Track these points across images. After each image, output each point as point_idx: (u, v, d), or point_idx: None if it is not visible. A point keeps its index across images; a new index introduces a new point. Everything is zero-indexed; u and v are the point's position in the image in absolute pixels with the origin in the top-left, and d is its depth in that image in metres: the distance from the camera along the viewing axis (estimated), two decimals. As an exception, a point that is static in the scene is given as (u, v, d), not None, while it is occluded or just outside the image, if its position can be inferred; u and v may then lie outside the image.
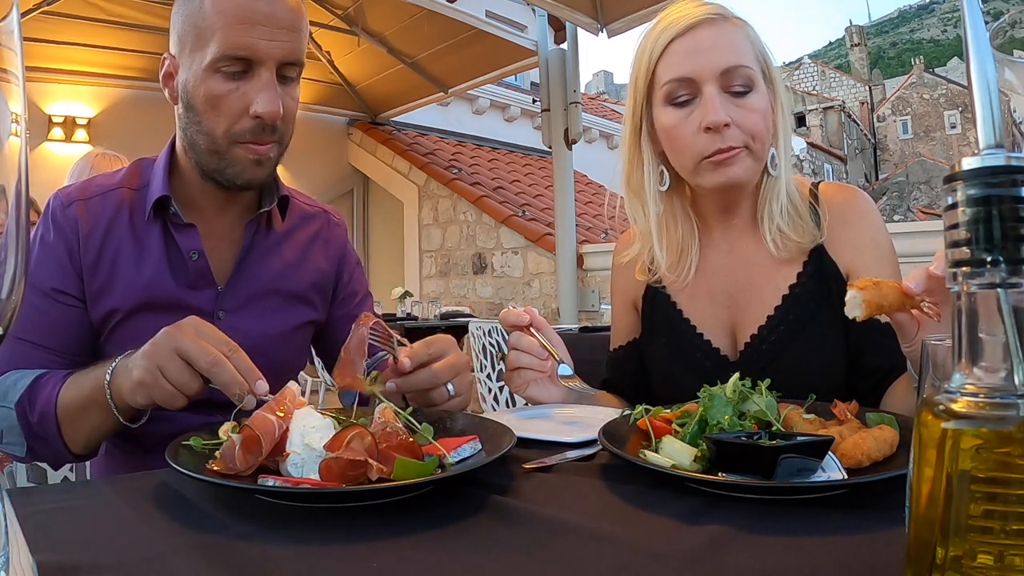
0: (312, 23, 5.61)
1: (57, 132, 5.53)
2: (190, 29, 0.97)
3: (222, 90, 0.97)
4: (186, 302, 1.03)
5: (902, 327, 0.77)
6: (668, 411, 0.81)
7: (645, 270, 1.18)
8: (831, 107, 49.98)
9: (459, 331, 4.66)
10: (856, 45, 62.57)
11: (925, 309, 0.73)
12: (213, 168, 1.01)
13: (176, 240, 1.03)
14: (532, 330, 1.05)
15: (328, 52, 6.28)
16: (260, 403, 0.77)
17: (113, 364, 0.86)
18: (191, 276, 1.04)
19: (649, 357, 1.21)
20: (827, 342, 1.04)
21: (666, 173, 1.12)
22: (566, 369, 1.04)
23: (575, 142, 5.15)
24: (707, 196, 1.12)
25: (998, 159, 0.35)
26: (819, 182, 1.13)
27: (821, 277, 1.06)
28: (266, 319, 1.10)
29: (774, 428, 0.72)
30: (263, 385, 0.79)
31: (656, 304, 1.19)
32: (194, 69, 0.98)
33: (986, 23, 0.37)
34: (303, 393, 0.79)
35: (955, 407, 0.35)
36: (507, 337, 1.09)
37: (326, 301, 1.20)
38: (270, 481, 0.64)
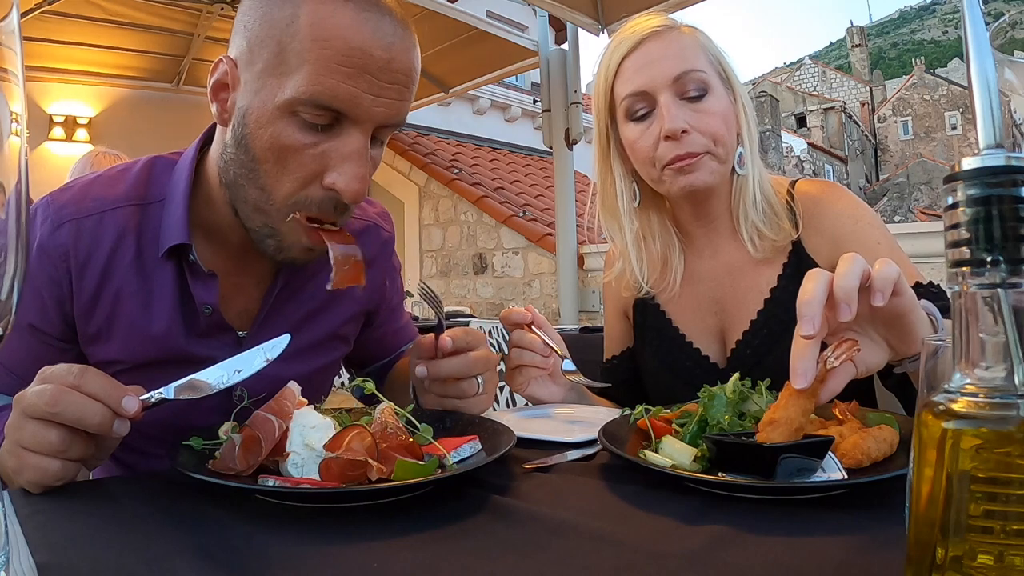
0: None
1: (58, 132, 5.54)
2: (269, 42, 0.74)
3: (295, 141, 0.75)
4: (198, 354, 0.88)
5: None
6: (668, 411, 0.81)
7: (630, 287, 1.19)
8: (832, 108, 49.96)
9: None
10: (857, 46, 62.54)
11: (832, 364, 0.65)
12: (252, 228, 0.82)
13: (190, 288, 0.87)
14: (534, 328, 1.05)
15: (329, 52, 6.28)
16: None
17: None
18: (203, 327, 0.89)
19: (642, 365, 1.22)
20: None
21: (637, 189, 1.14)
22: (569, 364, 1.04)
23: (576, 142, 5.16)
24: (682, 205, 1.13)
25: (998, 159, 0.35)
26: (796, 180, 1.14)
27: (800, 277, 1.05)
28: (294, 362, 0.90)
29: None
30: (131, 402, 0.65)
31: (646, 314, 1.20)
32: (261, 98, 0.75)
33: (986, 23, 0.37)
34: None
35: (955, 407, 0.35)
36: (508, 336, 1.09)
37: (358, 328, 1.09)
38: (270, 481, 0.64)
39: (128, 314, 0.86)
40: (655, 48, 1.05)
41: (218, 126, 0.85)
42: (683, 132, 1.02)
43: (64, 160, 5.02)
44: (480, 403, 0.90)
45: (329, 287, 0.79)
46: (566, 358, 1.05)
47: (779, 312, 1.06)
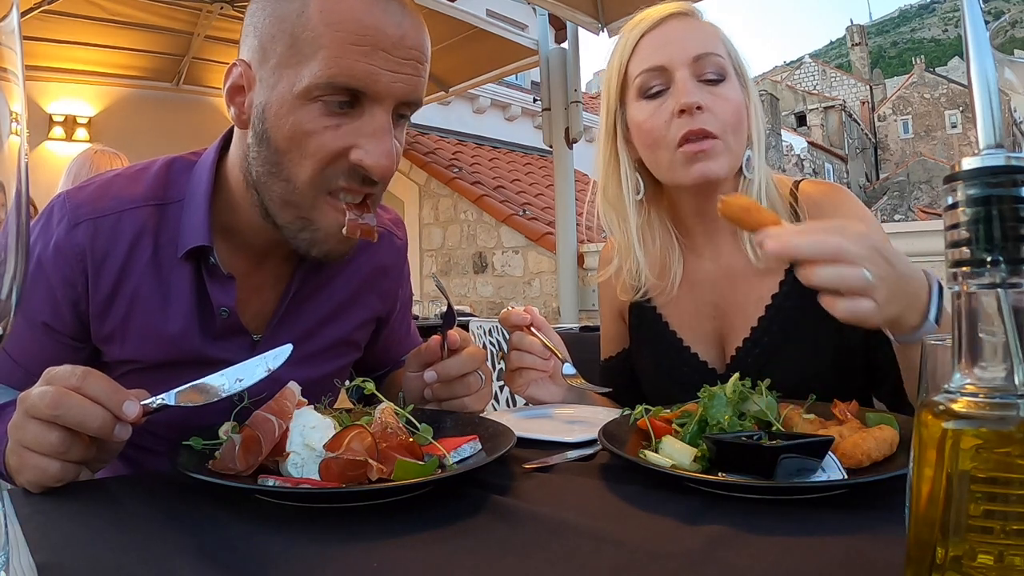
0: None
1: (58, 131, 5.53)
2: (281, 36, 0.76)
3: (317, 126, 0.75)
4: (214, 356, 0.88)
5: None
6: (668, 411, 0.81)
7: (627, 288, 1.14)
8: (832, 107, 49.93)
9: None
10: (857, 44, 62.51)
11: None
12: (285, 224, 0.82)
13: (208, 291, 0.87)
14: (533, 330, 1.05)
15: (328, 51, 6.28)
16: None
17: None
18: (219, 329, 0.89)
19: (639, 369, 1.19)
20: (813, 351, 1.02)
21: (641, 181, 1.09)
22: (570, 368, 1.04)
23: (576, 141, 5.16)
24: (685, 200, 1.09)
25: (998, 159, 0.35)
26: (800, 181, 1.10)
27: (803, 286, 1.03)
28: (307, 366, 0.93)
29: (774, 428, 0.72)
30: (132, 407, 0.65)
31: (642, 317, 1.16)
32: (280, 90, 0.76)
33: (986, 23, 0.37)
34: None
35: (955, 407, 0.35)
36: (508, 336, 1.09)
37: (369, 334, 1.09)
38: (270, 481, 0.64)
39: (144, 314, 0.86)
40: (676, 28, 1.03)
41: (237, 130, 0.85)
42: (698, 108, 0.97)
43: (64, 160, 5.01)
44: (485, 396, 0.92)
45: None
46: (566, 361, 1.04)
47: (781, 320, 1.03)
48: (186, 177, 0.89)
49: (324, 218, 0.80)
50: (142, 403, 0.67)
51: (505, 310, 1.06)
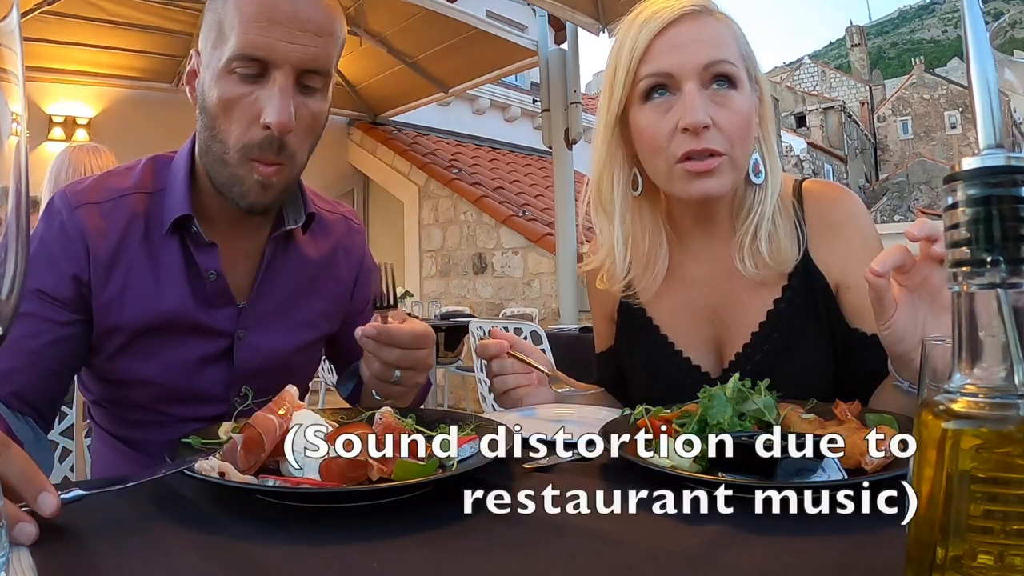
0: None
1: (57, 132, 5.54)
2: (213, 25, 0.92)
3: (235, 93, 0.90)
4: (205, 323, 0.99)
5: (881, 298, 0.74)
6: (668, 411, 0.81)
7: (614, 276, 1.10)
8: (831, 107, 49.95)
9: (459, 331, 4.65)
10: (856, 45, 62.55)
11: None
12: (222, 182, 0.95)
13: (195, 258, 0.98)
14: (514, 351, 1.05)
15: (328, 52, 6.29)
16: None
17: None
18: (209, 295, 0.99)
19: (627, 371, 1.16)
20: (814, 359, 1.00)
21: (640, 177, 1.05)
22: (556, 379, 1.05)
23: (575, 142, 5.16)
24: (683, 206, 1.05)
25: (998, 159, 0.35)
26: (803, 179, 1.06)
27: (808, 291, 1.00)
28: (287, 335, 1.07)
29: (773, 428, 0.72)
30: (49, 501, 0.54)
31: (631, 320, 1.13)
32: (211, 68, 0.91)
33: (986, 23, 0.37)
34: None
35: (955, 407, 0.35)
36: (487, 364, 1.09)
37: (341, 312, 1.16)
38: (270, 481, 0.64)
39: (139, 285, 0.96)
40: (688, 29, 0.96)
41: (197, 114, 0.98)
42: (704, 128, 0.93)
43: (64, 160, 5.02)
44: (392, 392, 0.96)
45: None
46: (549, 371, 1.05)
47: (783, 326, 1.00)
48: (167, 171, 1.02)
49: (245, 178, 0.93)
50: (61, 497, 0.57)
51: (480, 343, 1.07)
